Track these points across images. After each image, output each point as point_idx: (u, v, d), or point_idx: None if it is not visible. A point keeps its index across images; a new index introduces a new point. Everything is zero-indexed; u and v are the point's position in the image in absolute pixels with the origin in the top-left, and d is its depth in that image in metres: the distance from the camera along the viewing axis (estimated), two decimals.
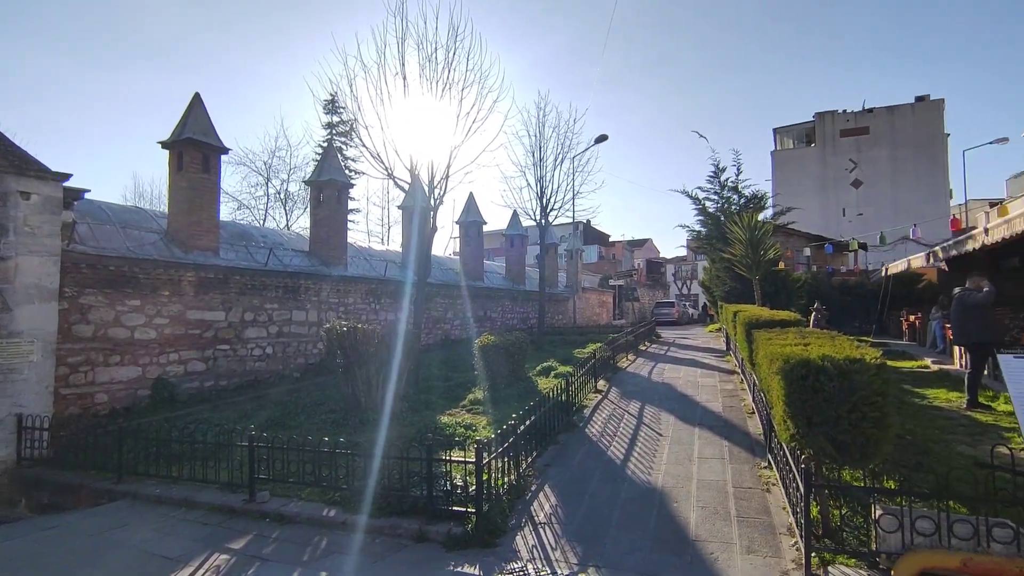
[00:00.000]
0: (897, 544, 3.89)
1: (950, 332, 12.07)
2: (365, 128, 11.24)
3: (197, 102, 11.96)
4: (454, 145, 11.64)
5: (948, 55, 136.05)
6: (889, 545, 3.92)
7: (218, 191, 12.58)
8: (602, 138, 22.45)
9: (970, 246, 10.59)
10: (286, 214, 31.57)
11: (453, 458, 5.58)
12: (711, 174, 24.40)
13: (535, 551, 4.68)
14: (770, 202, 25.97)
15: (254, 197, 31.36)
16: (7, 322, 8.06)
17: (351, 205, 33.20)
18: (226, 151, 12.44)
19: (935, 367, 12.04)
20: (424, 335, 17.27)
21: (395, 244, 27.61)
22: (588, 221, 39.47)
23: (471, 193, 23.99)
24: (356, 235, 32.21)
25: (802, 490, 4.15)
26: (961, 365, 10.95)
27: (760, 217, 20.48)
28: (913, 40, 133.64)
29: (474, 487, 5.13)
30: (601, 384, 11.32)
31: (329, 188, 15.38)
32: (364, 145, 11.27)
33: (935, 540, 3.82)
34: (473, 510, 5.06)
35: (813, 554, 4.09)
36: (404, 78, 11.34)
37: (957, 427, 7.29)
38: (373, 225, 52.09)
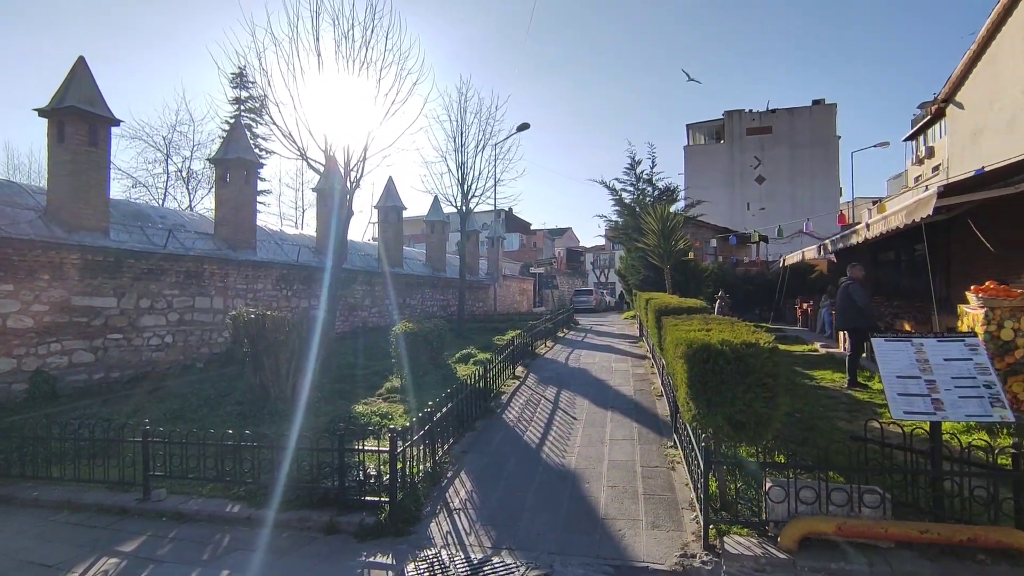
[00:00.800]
0: (784, 513, 4.22)
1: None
2: (276, 105, 10.71)
3: (81, 67, 10.86)
4: (372, 127, 11.34)
5: (841, 64, 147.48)
6: (777, 514, 4.25)
7: (107, 166, 11.51)
8: (524, 126, 22.57)
9: (854, 240, 11.58)
10: (189, 194, 29.49)
11: (366, 447, 5.46)
12: (628, 166, 25.31)
13: (449, 537, 4.69)
14: (682, 195, 27.28)
15: (152, 175, 28.98)
16: None
17: (262, 186, 31.64)
18: (117, 123, 11.40)
19: (823, 351, 13.12)
20: (340, 323, 16.79)
21: (309, 228, 26.57)
22: (510, 209, 39.68)
23: (390, 177, 23.47)
24: (267, 218, 30.73)
25: (702, 467, 4.41)
26: (844, 349, 11.99)
27: (672, 209, 21.44)
28: (813, 48, 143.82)
29: (388, 476, 5.05)
30: (519, 370, 11.47)
31: (236, 167, 14.50)
32: (275, 123, 10.76)
33: (816, 508, 4.17)
34: (387, 499, 4.98)
35: (711, 526, 4.36)
36: (319, 54, 10.88)
37: (839, 405, 7.99)
38: (286, 208, 49.98)
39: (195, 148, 29.60)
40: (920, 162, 32.54)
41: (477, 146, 18.69)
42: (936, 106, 15.22)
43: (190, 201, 29.24)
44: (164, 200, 28.44)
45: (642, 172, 25.08)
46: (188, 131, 41.27)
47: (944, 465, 4.28)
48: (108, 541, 5.00)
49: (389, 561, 4.34)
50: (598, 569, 4.06)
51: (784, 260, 20.30)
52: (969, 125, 12.93)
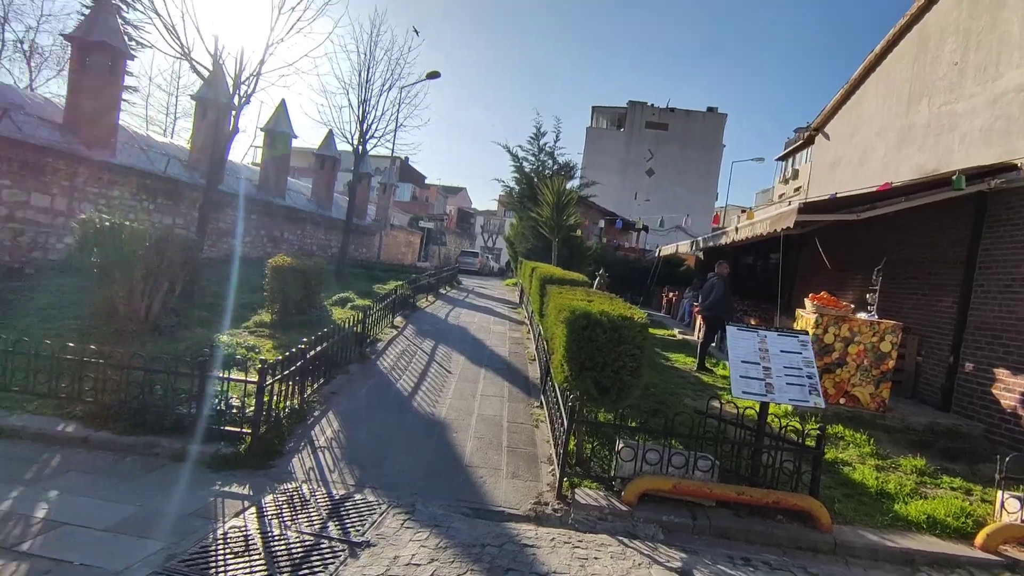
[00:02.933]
0: (630, 471, 4.67)
1: (696, 309, 14.49)
2: None
3: None
4: (272, 40, 10.38)
5: (738, 77, 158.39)
6: (625, 472, 4.69)
7: None
8: (434, 74, 21.83)
9: (723, 241, 12.71)
10: (30, 71, 25.22)
11: (233, 377, 5.17)
12: (532, 136, 25.44)
13: (312, 473, 4.63)
14: (578, 173, 28.00)
15: None
16: None
17: (129, 82, 27.86)
18: None
19: (680, 336, 14.39)
20: (209, 247, 15.50)
21: (180, 139, 23.94)
22: (407, 158, 38.62)
23: (283, 100, 21.70)
24: (131, 119, 27.21)
25: (566, 424, 4.73)
26: (698, 337, 13.25)
27: (568, 185, 22.02)
28: (717, 57, 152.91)
29: (252, 408, 4.86)
30: (399, 320, 11.38)
31: (99, 52, 12.61)
32: (156, 11, 9.44)
33: (658, 468, 4.66)
34: (248, 431, 4.80)
35: (565, 479, 4.72)
36: None
37: (687, 384, 8.86)
38: (154, 112, 44.11)
39: (43, 18, 25.47)
40: (786, 181, 36.13)
41: (383, 85, 17.79)
42: (808, 133, 16.92)
43: (31, 80, 25.10)
44: None
45: (545, 144, 25.39)
46: None
47: (764, 441, 4.96)
48: None
49: (246, 491, 4.21)
50: (457, 510, 4.24)
51: (660, 250, 21.78)
52: (831, 155, 14.56)
